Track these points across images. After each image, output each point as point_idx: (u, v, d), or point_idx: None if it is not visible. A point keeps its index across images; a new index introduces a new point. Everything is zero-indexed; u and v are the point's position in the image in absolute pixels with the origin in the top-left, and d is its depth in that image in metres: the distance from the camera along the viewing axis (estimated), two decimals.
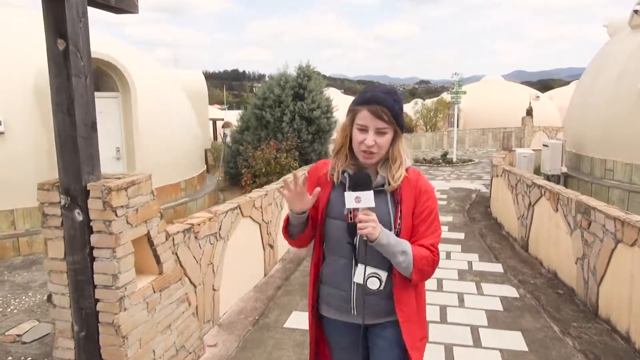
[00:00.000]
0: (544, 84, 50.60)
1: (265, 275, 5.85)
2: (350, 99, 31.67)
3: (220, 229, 4.58)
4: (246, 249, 5.36)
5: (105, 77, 7.81)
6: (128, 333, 2.96)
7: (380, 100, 1.76)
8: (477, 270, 5.79)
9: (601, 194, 7.73)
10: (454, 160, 17.56)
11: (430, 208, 1.85)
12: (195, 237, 4.12)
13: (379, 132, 1.77)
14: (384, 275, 1.81)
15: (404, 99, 48.94)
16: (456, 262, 6.08)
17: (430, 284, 5.27)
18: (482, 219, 8.76)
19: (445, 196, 10.80)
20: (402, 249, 1.74)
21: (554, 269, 5.73)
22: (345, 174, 1.86)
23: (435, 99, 28.58)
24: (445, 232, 7.62)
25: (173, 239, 3.72)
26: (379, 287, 1.80)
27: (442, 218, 8.59)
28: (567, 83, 38.42)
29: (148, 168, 8.07)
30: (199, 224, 4.17)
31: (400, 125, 1.82)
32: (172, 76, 10.69)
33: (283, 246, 6.50)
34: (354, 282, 1.86)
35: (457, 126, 22.63)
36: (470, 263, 6.04)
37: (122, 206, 2.92)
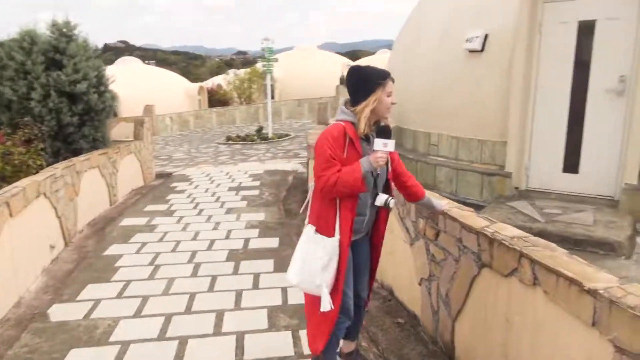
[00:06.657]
0: (353, 55, 52.39)
1: None
2: (163, 72, 27.54)
3: None
4: None
5: None
6: None
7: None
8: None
9: (427, 172, 6.77)
10: (270, 135, 15.98)
11: None
12: None
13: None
14: None
15: (221, 71, 44.73)
16: (261, 296, 4.32)
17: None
18: (300, 210, 7.26)
19: (257, 183, 8.95)
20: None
21: (390, 284, 4.42)
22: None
23: (249, 69, 26.65)
24: (254, 239, 5.86)
25: None
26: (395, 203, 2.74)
27: (251, 216, 6.82)
28: (373, 53, 39.95)
29: None
30: None
31: None
32: None
33: None
34: (372, 207, 2.71)
35: (273, 97, 21.21)
36: (284, 292, 4.37)
37: None
